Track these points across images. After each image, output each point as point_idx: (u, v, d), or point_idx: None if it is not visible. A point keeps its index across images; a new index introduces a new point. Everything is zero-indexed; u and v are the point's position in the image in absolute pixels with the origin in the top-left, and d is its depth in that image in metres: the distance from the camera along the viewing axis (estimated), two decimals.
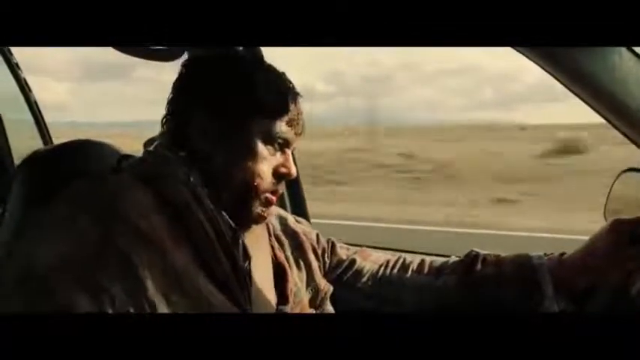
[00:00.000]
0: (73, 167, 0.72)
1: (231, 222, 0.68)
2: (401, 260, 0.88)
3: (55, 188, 0.71)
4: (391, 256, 0.90)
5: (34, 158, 0.76)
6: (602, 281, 0.74)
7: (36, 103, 1.95)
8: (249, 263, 0.70)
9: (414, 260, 0.88)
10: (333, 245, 0.91)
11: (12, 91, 1.93)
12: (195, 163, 0.68)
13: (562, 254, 0.77)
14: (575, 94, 0.69)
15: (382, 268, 0.87)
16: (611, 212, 0.80)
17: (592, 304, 0.75)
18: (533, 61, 0.68)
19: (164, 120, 0.71)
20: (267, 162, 0.70)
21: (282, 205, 1.27)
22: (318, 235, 0.90)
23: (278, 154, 0.71)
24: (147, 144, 0.72)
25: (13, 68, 1.90)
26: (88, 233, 0.56)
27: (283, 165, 0.72)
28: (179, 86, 0.72)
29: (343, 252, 0.91)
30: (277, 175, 0.71)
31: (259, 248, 0.76)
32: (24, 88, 1.93)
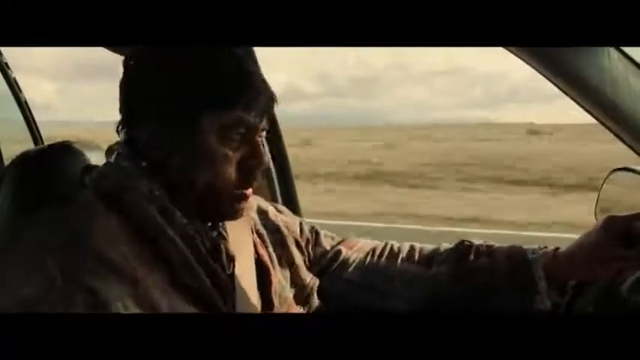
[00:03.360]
0: (62, 169, 0.72)
1: (208, 229, 0.65)
2: (388, 248, 0.85)
3: (42, 190, 0.70)
4: (377, 243, 0.87)
5: (22, 159, 0.75)
6: (594, 278, 0.74)
7: (26, 102, 1.94)
8: (234, 267, 0.67)
9: (403, 247, 0.84)
10: (317, 235, 0.87)
11: (1, 91, 1.91)
12: (156, 171, 0.63)
13: (556, 249, 0.76)
14: (566, 93, 0.70)
15: (369, 257, 0.83)
16: (602, 211, 0.80)
17: (583, 300, 0.75)
18: (524, 61, 0.68)
19: (117, 126, 0.65)
20: (228, 158, 0.62)
21: (274, 199, 1.27)
22: (301, 224, 0.86)
23: (242, 145, 0.63)
24: (108, 152, 0.67)
25: (3, 68, 1.88)
26: (52, 272, 0.51)
27: (250, 156, 0.64)
28: (122, 86, 0.64)
29: (327, 242, 0.87)
30: (245, 169, 0.64)
31: (242, 246, 0.73)
32: (14, 87, 1.91)
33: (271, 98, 0.65)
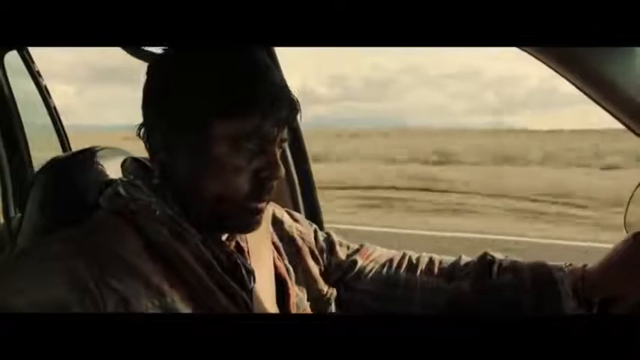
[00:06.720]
0: (88, 176, 0.73)
1: (225, 243, 0.65)
2: (406, 259, 0.83)
3: (70, 197, 0.72)
4: (394, 254, 0.85)
5: (51, 166, 0.76)
6: (626, 296, 0.71)
7: (55, 109, 1.99)
8: (254, 280, 0.66)
9: (422, 259, 0.83)
10: (332, 244, 0.85)
11: (33, 97, 1.97)
12: (168, 187, 0.62)
13: (584, 266, 0.74)
14: (591, 97, 0.68)
15: (385, 269, 0.82)
16: (631, 225, 0.77)
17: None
18: (546, 64, 0.66)
19: (138, 130, 0.63)
20: (240, 170, 0.59)
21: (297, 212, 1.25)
22: (316, 232, 0.85)
23: (257, 157, 0.60)
24: (122, 166, 0.68)
25: (35, 75, 1.94)
26: (84, 279, 0.53)
27: (264, 168, 0.60)
28: (144, 93, 0.63)
29: (343, 251, 0.85)
30: (259, 181, 0.61)
31: (262, 258, 0.72)
32: (44, 93, 1.97)
33: (293, 107, 0.62)
